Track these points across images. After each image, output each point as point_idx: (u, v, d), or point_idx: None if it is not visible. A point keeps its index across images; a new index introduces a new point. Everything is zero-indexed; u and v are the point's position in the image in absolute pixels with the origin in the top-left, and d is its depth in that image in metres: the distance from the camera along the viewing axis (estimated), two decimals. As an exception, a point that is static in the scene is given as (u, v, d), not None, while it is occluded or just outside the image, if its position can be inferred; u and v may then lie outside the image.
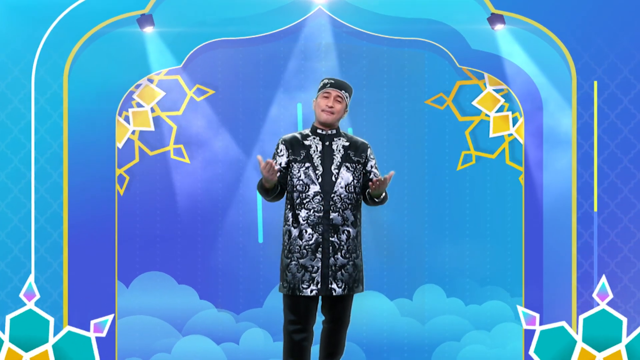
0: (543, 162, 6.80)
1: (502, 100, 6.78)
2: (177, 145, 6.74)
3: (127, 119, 6.77)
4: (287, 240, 5.88)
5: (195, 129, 6.77)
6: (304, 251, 5.76)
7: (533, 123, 6.89)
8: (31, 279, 5.68)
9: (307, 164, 5.77)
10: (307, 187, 5.73)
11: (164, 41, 6.79)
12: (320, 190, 5.73)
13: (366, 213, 6.01)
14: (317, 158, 5.78)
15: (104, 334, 5.60)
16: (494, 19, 6.64)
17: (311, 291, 5.73)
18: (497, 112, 6.86)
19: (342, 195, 5.77)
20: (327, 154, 5.79)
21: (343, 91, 5.85)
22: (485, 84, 6.80)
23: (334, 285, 5.77)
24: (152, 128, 6.68)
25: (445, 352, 7.05)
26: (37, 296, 5.63)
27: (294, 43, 7.01)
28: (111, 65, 6.72)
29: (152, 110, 6.68)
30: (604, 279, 5.66)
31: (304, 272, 5.73)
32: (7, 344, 5.61)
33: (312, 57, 6.98)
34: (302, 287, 5.75)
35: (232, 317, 7.10)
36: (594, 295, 5.61)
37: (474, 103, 6.86)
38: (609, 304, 5.62)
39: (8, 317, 5.63)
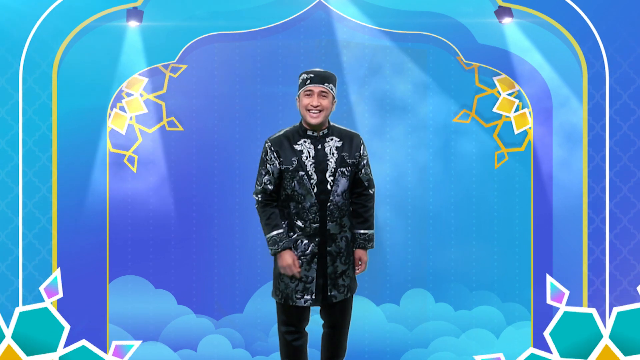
0: (552, 158, 6.76)
1: (517, 101, 6.80)
2: (169, 118, 6.92)
3: (122, 109, 6.86)
4: None
5: (182, 99, 6.97)
6: (299, 261, 5.60)
7: (543, 119, 6.82)
8: (57, 273, 5.19)
9: (301, 173, 5.56)
10: (303, 197, 5.56)
11: (158, 35, 6.71)
12: (316, 201, 5.55)
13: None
14: (311, 165, 5.57)
15: None
16: (501, 12, 6.54)
17: (305, 301, 5.61)
18: (515, 112, 6.87)
19: (339, 204, 5.63)
20: (320, 160, 5.59)
21: (326, 84, 5.57)
22: (498, 92, 6.82)
23: (335, 292, 5.65)
24: (145, 110, 6.88)
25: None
26: (60, 295, 5.14)
27: (292, 37, 6.87)
28: (104, 58, 6.68)
29: (141, 95, 6.86)
30: None
31: (298, 282, 5.60)
32: (8, 340, 5.07)
33: (312, 53, 6.84)
34: (296, 297, 5.62)
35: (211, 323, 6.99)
36: (639, 288, 5.21)
37: (495, 110, 6.87)
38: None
39: (18, 310, 5.14)
